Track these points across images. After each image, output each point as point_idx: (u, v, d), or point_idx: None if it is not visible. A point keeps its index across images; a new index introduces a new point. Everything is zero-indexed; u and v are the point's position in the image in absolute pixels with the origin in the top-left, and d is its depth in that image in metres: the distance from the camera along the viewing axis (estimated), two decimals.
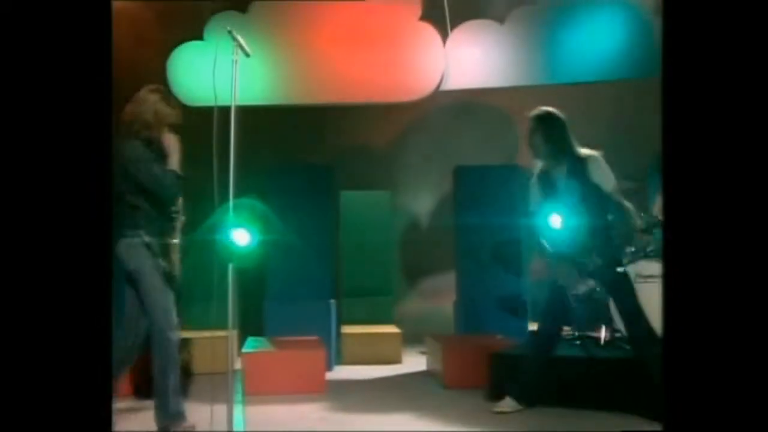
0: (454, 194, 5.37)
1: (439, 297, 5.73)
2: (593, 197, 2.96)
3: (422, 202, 6.25)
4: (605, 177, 2.95)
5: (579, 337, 4.16)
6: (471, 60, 5.33)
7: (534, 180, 3.13)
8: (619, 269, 3.06)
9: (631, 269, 3.99)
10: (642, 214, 4.20)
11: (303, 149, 6.02)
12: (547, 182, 3.06)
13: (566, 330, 4.13)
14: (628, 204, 2.93)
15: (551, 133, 3.04)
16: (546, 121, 3.07)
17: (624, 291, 3.05)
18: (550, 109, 3.11)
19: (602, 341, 4.04)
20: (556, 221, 3.01)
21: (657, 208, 4.40)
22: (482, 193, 5.03)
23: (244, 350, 4.31)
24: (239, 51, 2.58)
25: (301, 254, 4.56)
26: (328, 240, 4.92)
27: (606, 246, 3.02)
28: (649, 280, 3.94)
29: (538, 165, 3.13)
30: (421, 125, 6.11)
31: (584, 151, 2.99)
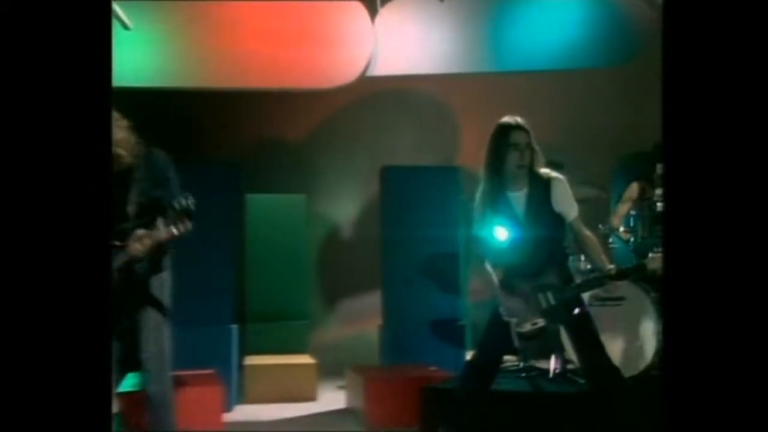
0: (380, 199, 5.32)
1: (362, 321, 5.73)
2: (554, 226, 2.92)
3: (344, 208, 6.24)
4: (568, 204, 2.93)
5: (525, 369, 4.18)
6: (404, 42, 5.33)
7: (481, 199, 3.02)
8: (576, 310, 3.03)
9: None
10: (600, 226, 4.25)
11: (203, 142, 5.80)
12: (500, 210, 2.97)
13: (510, 360, 4.16)
14: (592, 241, 2.92)
15: (523, 152, 2.92)
16: (519, 132, 2.95)
17: (580, 320, 3.03)
18: (519, 119, 3.01)
19: (552, 373, 4.07)
20: (508, 249, 2.97)
21: (617, 218, 4.45)
22: (414, 199, 5.01)
23: (119, 390, 3.99)
24: (116, 22, 2.39)
25: (197, 269, 4.30)
26: (231, 252, 4.81)
27: (563, 284, 2.98)
28: (607, 303, 3.95)
29: (490, 182, 2.98)
30: (344, 117, 6.08)
31: (547, 171, 2.95)
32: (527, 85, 5.45)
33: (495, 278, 3.05)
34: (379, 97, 5.91)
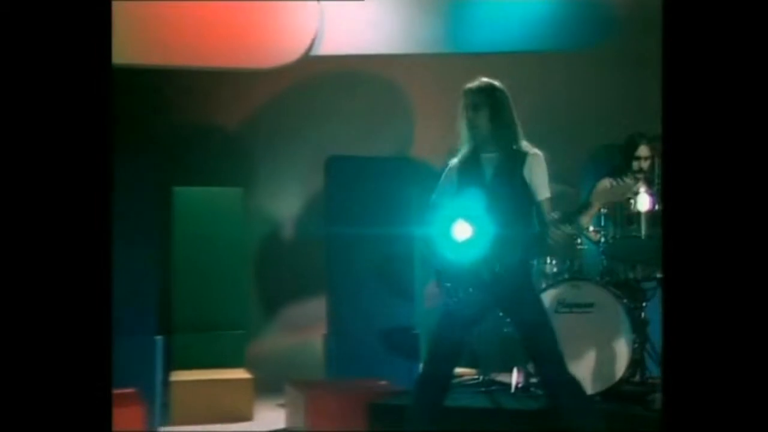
0: (325, 193, 5.27)
1: (305, 330, 5.66)
2: (523, 202, 2.97)
3: (285, 203, 6.14)
4: (541, 182, 3.01)
5: (484, 383, 4.22)
6: (354, 18, 5.31)
7: (453, 166, 3.12)
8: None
9: (551, 296, 4.02)
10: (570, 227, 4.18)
11: (124, 129, 5.46)
12: (470, 171, 3.05)
13: (468, 373, 4.26)
14: (556, 228, 2.95)
15: (498, 112, 3.03)
16: (492, 96, 3.05)
17: (536, 323, 3.03)
18: (495, 82, 3.09)
19: (513, 388, 4.06)
20: (463, 220, 3.00)
21: (585, 217, 4.36)
22: (364, 193, 4.95)
23: None
24: None
25: (116, 272, 4.03)
26: (155, 253, 4.71)
27: (521, 263, 3.01)
28: (575, 309, 3.97)
29: (463, 150, 3.09)
30: (286, 101, 5.97)
31: (526, 144, 3.02)
32: (489, 68, 5.20)
33: (431, 241, 3.06)
34: (326, 79, 5.80)
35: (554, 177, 3.28)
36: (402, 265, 4.94)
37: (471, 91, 3.06)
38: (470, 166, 3.07)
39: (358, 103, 5.87)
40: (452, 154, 4.85)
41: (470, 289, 2.94)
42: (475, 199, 3.00)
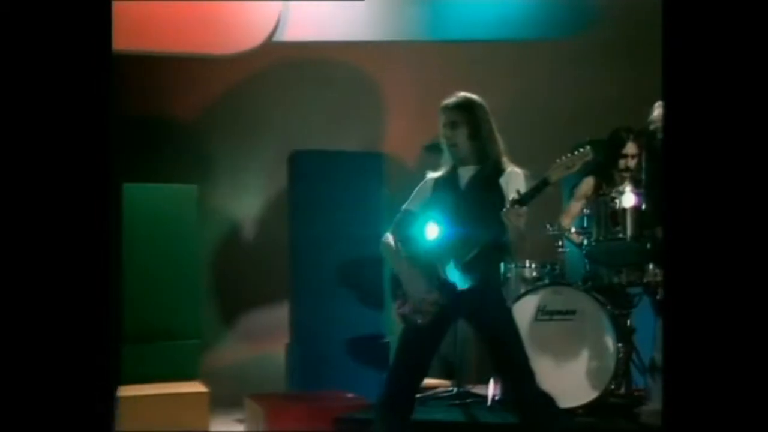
0: (288, 191, 5.21)
1: (266, 339, 5.61)
2: (497, 213, 2.95)
3: (245, 201, 6.08)
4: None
5: (459, 395, 4.22)
6: (320, 2, 5.27)
7: (429, 180, 3.18)
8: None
9: (530, 302, 4.01)
10: (548, 227, 4.25)
11: None
12: (446, 183, 3.13)
13: (443, 384, 4.31)
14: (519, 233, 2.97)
15: (477, 129, 3.08)
16: (470, 112, 3.09)
17: (504, 338, 3.04)
18: (473, 96, 3.13)
19: (490, 401, 4.04)
20: (433, 228, 3.07)
21: (567, 217, 4.45)
22: (330, 191, 4.92)
23: None
24: None
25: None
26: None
27: (488, 272, 3.05)
28: (555, 317, 3.97)
29: (443, 167, 3.15)
30: (246, 92, 5.90)
31: (508, 162, 3.09)
32: (466, 57, 5.52)
33: (393, 244, 3.10)
34: (290, 67, 5.74)
35: (534, 175, 3.25)
36: (371, 269, 4.85)
37: (448, 108, 3.09)
38: (446, 179, 3.13)
39: (324, 94, 5.81)
40: (427, 147, 4.83)
41: (432, 297, 2.96)
42: (446, 207, 3.05)
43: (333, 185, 4.90)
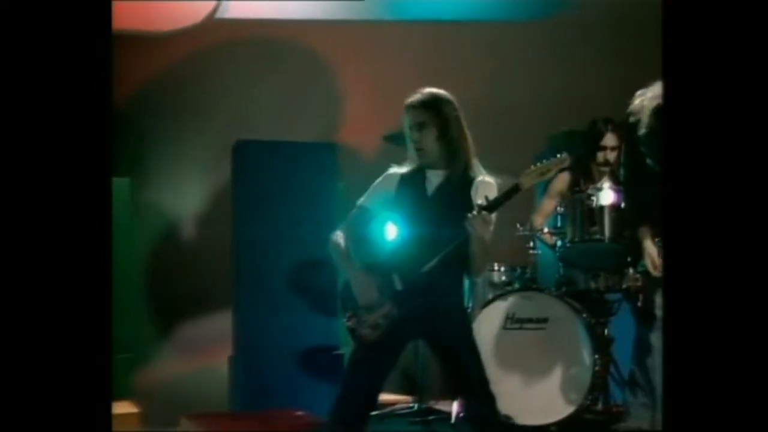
0: (233, 186, 5.10)
1: (206, 352, 5.50)
2: (462, 225, 2.96)
3: (182, 197, 5.92)
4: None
5: (420, 412, 4.24)
6: None
7: (392, 175, 3.17)
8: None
9: (498, 309, 4.01)
10: (519, 227, 4.24)
11: None
12: (411, 184, 3.13)
13: (404, 400, 4.28)
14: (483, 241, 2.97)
15: (445, 130, 3.05)
16: (438, 112, 3.06)
17: (461, 353, 3.04)
18: (441, 93, 3.09)
19: (454, 418, 4.06)
20: (393, 229, 3.08)
21: (540, 216, 4.45)
22: (279, 186, 4.80)
23: None
24: None
25: None
26: None
27: (449, 283, 3.05)
28: (526, 325, 3.98)
29: (408, 165, 3.14)
30: (184, 74, 5.75)
31: (479, 167, 3.09)
32: (431, 39, 5.46)
33: (343, 244, 3.08)
34: (234, 48, 5.63)
35: (505, 169, 3.28)
36: (324, 272, 4.70)
37: (413, 107, 3.08)
38: (412, 179, 3.13)
39: (274, 77, 5.70)
40: (387, 138, 4.73)
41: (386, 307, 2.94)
42: (409, 209, 3.05)
43: (282, 179, 4.78)
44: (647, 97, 3.03)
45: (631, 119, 3.19)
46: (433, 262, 2.94)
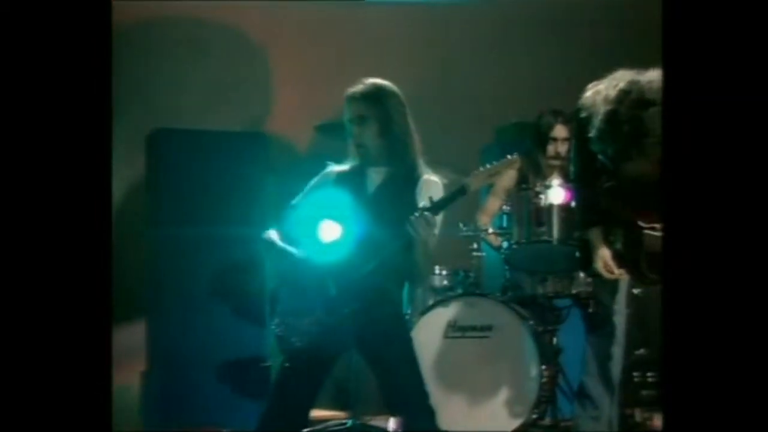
0: (148, 180, 4.98)
1: (116, 366, 5.20)
2: (405, 231, 2.95)
3: None
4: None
5: (354, 428, 4.24)
6: None
7: (330, 173, 3.20)
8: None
9: (439, 316, 4.01)
10: (461, 226, 4.20)
11: None
12: (350, 182, 3.14)
13: (338, 416, 4.27)
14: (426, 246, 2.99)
15: (388, 125, 3.04)
16: (381, 104, 3.06)
17: (399, 364, 3.03)
18: (384, 84, 3.08)
19: None
20: (329, 230, 3.02)
21: (485, 215, 4.44)
22: (201, 180, 4.72)
23: None
24: None
25: None
26: None
27: (386, 291, 3.05)
28: (469, 333, 3.96)
29: (348, 162, 3.15)
30: None
31: (424, 166, 3.09)
32: (370, 22, 5.29)
33: (277, 243, 3.07)
34: (153, 28, 5.49)
35: (449, 164, 3.31)
36: (251, 275, 4.64)
37: (354, 99, 3.06)
38: (352, 177, 3.14)
39: (197, 61, 5.53)
40: (319, 128, 4.62)
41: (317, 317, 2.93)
42: (348, 209, 3.03)
43: (204, 172, 4.68)
44: (601, 96, 3.04)
45: (582, 114, 3.17)
46: (370, 266, 2.91)
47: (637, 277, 3.31)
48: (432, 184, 3.02)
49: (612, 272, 3.35)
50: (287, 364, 3.02)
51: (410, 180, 3.04)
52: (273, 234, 3.08)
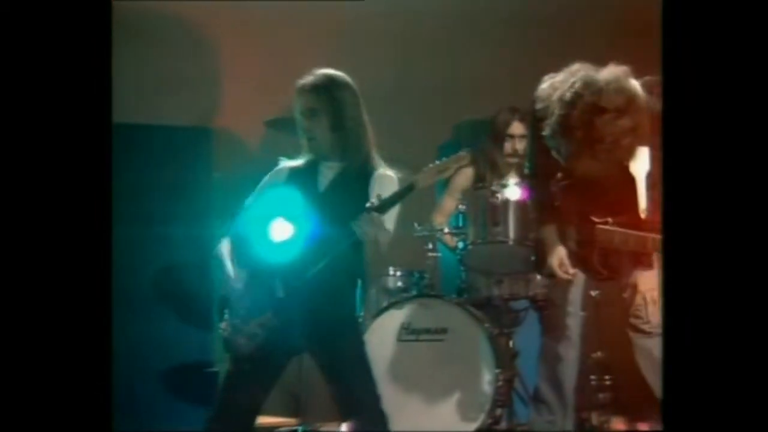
0: None
1: None
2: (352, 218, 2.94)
3: None
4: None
5: None
6: None
7: (281, 170, 3.18)
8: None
9: (392, 318, 4.01)
10: (416, 226, 4.19)
11: None
12: (302, 178, 3.12)
13: (288, 423, 4.30)
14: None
15: (340, 118, 3.02)
16: (332, 97, 3.04)
17: (350, 368, 3.03)
18: (336, 74, 3.06)
19: None
20: (281, 230, 3.00)
21: (441, 215, 4.45)
22: (143, 177, 4.61)
23: None
24: None
25: None
26: None
27: (337, 292, 3.04)
28: (423, 336, 3.97)
29: (301, 158, 3.13)
30: None
31: (379, 160, 3.07)
32: (324, 16, 5.23)
33: (224, 250, 3.05)
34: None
35: (405, 161, 3.28)
36: (197, 277, 4.57)
37: (304, 90, 3.03)
38: (303, 173, 3.11)
39: (143, 55, 5.36)
40: (269, 123, 4.60)
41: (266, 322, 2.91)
42: (299, 207, 3.01)
43: (147, 169, 4.60)
44: (557, 94, 3.01)
45: (538, 105, 3.17)
46: (319, 266, 2.90)
47: (590, 274, 3.32)
48: (386, 179, 3.00)
49: (567, 272, 3.39)
50: (234, 368, 2.99)
51: (363, 175, 3.02)
52: (224, 248, 3.04)
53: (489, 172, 4.21)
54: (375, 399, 2.97)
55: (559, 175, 3.31)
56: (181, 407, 4.50)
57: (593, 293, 3.82)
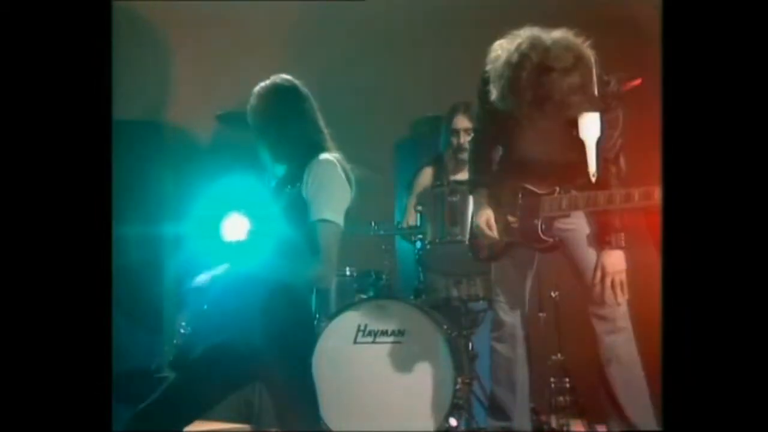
0: None
1: None
2: (297, 224, 2.96)
3: None
4: (317, 192, 3.05)
5: None
6: None
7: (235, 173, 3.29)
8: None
9: (348, 320, 4.00)
10: (373, 225, 4.23)
11: None
12: (255, 181, 3.23)
13: (240, 429, 4.30)
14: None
15: (292, 128, 3.07)
16: (285, 103, 3.09)
17: (294, 384, 2.99)
18: (284, 80, 3.10)
19: None
20: (235, 229, 3.10)
21: (411, 216, 4.44)
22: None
23: None
24: None
25: None
26: None
27: (285, 301, 2.99)
28: (380, 338, 3.96)
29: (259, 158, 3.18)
30: None
31: (333, 149, 3.10)
32: (278, 13, 5.32)
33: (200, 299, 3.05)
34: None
35: (361, 160, 3.31)
36: (146, 278, 4.72)
37: (257, 95, 3.09)
38: (258, 173, 3.19)
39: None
40: (220, 117, 4.62)
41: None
42: (251, 213, 3.06)
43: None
44: (504, 57, 3.08)
45: (487, 67, 3.23)
46: (273, 268, 2.92)
47: (532, 241, 3.37)
48: (322, 163, 3.00)
49: (492, 229, 3.42)
50: (180, 375, 3.02)
51: (303, 167, 3.04)
52: (203, 280, 3.03)
53: (446, 170, 4.26)
54: (314, 407, 3.02)
55: (501, 148, 3.41)
56: (127, 415, 4.52)
57: (553, 294, 3.90)
